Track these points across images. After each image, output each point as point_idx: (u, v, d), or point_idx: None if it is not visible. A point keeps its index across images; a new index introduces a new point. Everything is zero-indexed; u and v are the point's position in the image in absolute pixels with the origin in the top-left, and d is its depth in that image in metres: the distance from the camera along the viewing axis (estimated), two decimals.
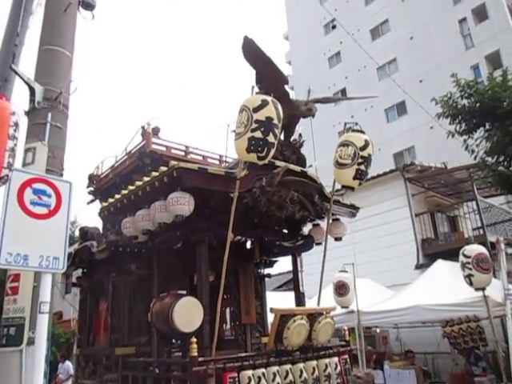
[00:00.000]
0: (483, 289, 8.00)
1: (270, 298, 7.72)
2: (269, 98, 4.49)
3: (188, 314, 4.80)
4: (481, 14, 25.56)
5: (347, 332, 6.31)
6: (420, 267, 13.55)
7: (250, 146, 4.38)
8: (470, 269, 8.04)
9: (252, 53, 5.25)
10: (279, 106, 4.55)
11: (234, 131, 4.61)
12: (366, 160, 5.54)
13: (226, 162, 7.16)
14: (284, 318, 5.12)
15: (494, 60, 24.09)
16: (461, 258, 8.27)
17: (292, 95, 6.07)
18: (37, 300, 3.57)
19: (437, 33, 26.78)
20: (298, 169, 5.77)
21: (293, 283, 7.05)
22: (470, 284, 8.11)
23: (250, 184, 5.18)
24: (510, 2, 25.37)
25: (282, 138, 5.96)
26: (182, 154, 6.97)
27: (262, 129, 4.37)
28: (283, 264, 8.71)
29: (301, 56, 35.57)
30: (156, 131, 6.99)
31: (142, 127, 6.96)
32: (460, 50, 25.77)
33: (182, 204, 4.83)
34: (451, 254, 10.28)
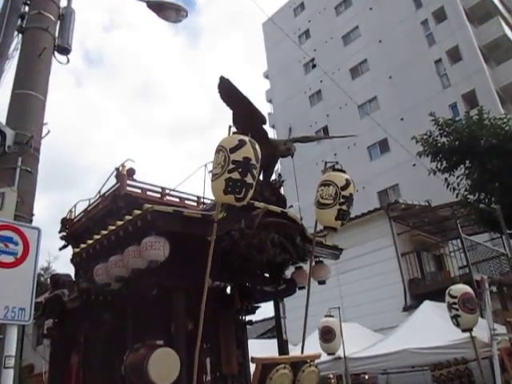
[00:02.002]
0: (470, 329, 7.98)
1: (252, 346, 7.55)
2: (246, 138, 4.51)
3: (164, 366, 4.64)
4: (455, 55, 26.67)
5: (334, 380, 6.18)
6: (408, 309, 13.49)
7: (228, 187, 4.36)
8: (457, 309, 8.04)
9: (229, 92, 5.33)
10: (257, 146, 4.57)
11: (211, 172, 4.61)
12: (348, 200, 5.55)
13: (204, 203, 7.13)
14: (266, 367, 4.98)
15: (471, 99, 24.95)
16: (447, 298, 8.28)
17: (273, 133, 6.17)
18: (1, 354, 3.44)
19: (415, 72, 27.73)
20: (278, 210, 5.76)
21: (275, 330, 6.93)
22: (457, 325, 8.09)
23: (228, 227, 5.15)
24: (482, 44, 26.49)
25: (260, 178, 5.97)
26: (158, 196, 6.94)
27: (240, 169, 4.37)
28: (267, 309, 8.57)
29: (281, 94, 36.37)
30: (131, 173, 6.96)
31: (117, 169, 6.93)
32: (438, 88, 26.69)
33: (156, 249, 4.76)
34: (438, 294, 10.28)
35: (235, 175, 4.36)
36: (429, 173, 10.73)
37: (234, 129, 4.85)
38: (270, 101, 39.05)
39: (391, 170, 26.98)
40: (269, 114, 38.09)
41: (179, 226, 4.90)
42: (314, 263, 6.34)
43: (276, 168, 6.32)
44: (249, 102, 5.43)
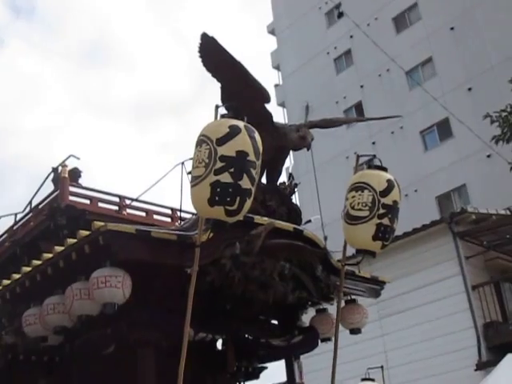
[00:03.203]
0: None
1: None
2: (241, 124, 4.52)
3: None
4: None
5: None
6: (483, 367, 13.43)
7: (215, 195, 4.36)
8: None
9: (215, 57, 5.39)
10: (257, 135, 4.57)
11: (190, 173, 4.62)
12: (391, 210, 5.58)
13: (181, 219, 7.16)
14: None
15: None
16: None
17: (282, 115, 6.20)
18: None
19: (489, 21, 27.69)
20: (289, 227, 5.80)
21: None
22: None
23: (216, 253, 5.18)
24: None
25: (263, 181, 6.02)
26: (116, 208, 6.96)
27: (232, 169, 4.36)
28: (277, 371, 8.56)
29: (293, 57, 36.43)
30: (75, 175, 7.00)
31: (55, 170, 6.96)
32: None
33: (112, 286, 4.77)
34: None
35: (225, 177, 4.35)
36: (510, 168, 10.72)
37: (223, 110, 4.87)
38: (276, 67, 39.18)
39: (455, 164, 26.99)
40: (275, 86, 38.22)
41: (146, 253, 4.93)
42: (343, 303, 6.36)
43: (286, 166, 6.33)
44: (244, 70, 5.46)
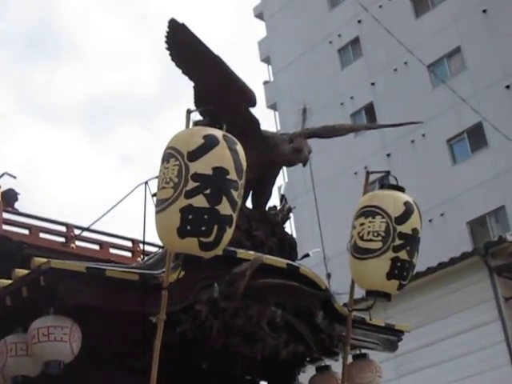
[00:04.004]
0: None
1: None
2: (219, 133, 4.55)
3: None
4: None
5: None
6: None
7: (186, 223, 4.38)
8: None
9: (186, 50, 5.41)
10: (239, 148, 4.61)
11: (155, 195, 4.63)
12: (410, 240, 5.63)
13: (143, 253, 7.15)
14: None
15: None
16: None
17: (273, 122, 6.18)
18: None
19: None
20: (282, 263, 5.82)
21: None
22: None
23: (188, 297, 5.20)
24: None
25: (248, 205, 6.06)
26: (61, 240, 6.95)
27: (208, 191, 4.39)
28: None
29: (287, 47, 36.52)
30: (10, 198, 6.98)
31: None
32: None
33: (57, 340, 4.73)
34: None
35: (199, 201, 4.38)
36: None
37: (197, 115, 4.89)
38: (265, 59, 39.26)
39: (491, 180, 27.01)
40: (264, 83, 38.37)
41: (100, 297, 4.92)
42: (350, 359, 6.36)
43: (278, 186, 6.35)
44: (223, 65, 5.49)
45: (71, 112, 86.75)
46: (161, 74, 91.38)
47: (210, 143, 4.48)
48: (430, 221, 24.28)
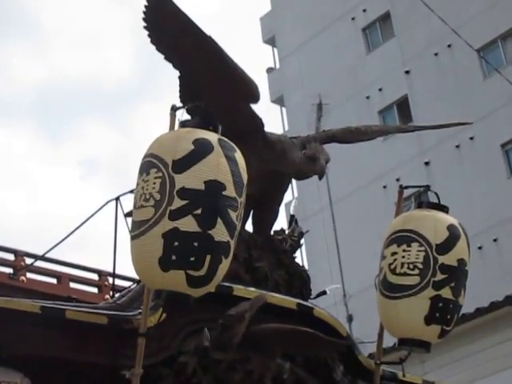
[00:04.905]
0: None
1: None
2: (213, 137, 4.57)
3: None
4: None
5: None
6: None
7: (170, 251, 4.38)
8: None
9: (170, 30, 5.41)
10: (238, 156, 4.62)
11: (129, 215, 4.65)
12: (455, 274, 5.64)
13: (113, 290, 7.16)
14: None
15: None
16: None
17: (278, 120, 6.18)
18: None
19: None
20: (291, 303, 5.85)
21: None
22: None
23: (172, 345, 5.21)
24: None
25: (248, 228, 6.07)
26: (9, 271, 6.97)
27: (198, 211, 4.40)
28: None
29: (298, 25, 36.54)
30: None
31: None
32: None
33: None
34: None
35: (187, 224, 4.38)
36: None
37: (183, 113, 4.91)
38: (270, 40, 39.30)
39: None
40: (268, 71, 38.36)
41: (58, 345, 4.92)
42: None
43: (285, 202, 6.35)
44: (217, 48, 5.50)
45: (21, 107, 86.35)
46: (137, 59, 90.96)
47: (201, 150, 4.45)
48: (479, 248, 24.31)
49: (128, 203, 5.24)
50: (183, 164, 4.42)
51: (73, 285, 7.40)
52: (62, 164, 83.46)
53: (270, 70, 38.11)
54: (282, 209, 6.57)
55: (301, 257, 5.87)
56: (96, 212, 6.50)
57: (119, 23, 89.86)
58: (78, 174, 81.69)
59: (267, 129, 6.15)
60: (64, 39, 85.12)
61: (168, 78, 5.68)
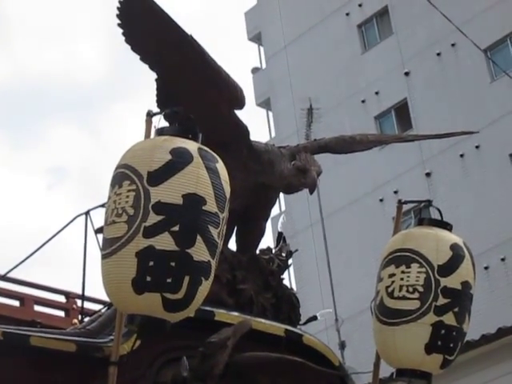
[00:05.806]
0: None
1: None
2: (192, 146, 4.57)
3: None
4: None
5: None
6: None
7: (145, 273, 4.38)
8: None
9: (146, 26, 5.42)
10: (221, 167, 4.63)
11: (100, 231, 4.67)
12: (459, 298, 5.65)
13: (82, 314, 7.17)
14: None
15: None
16: None
17: (264, 127, 6.20)
18: None
19: None
20: (278, 329, 5.86)
21: None
22: None
23: (147, 375, 5.20)
24: None
25: (231, 246, 6.07)
26: None
27: (176, 227, 4.41)
28: None
29: (286, 21, 36.58)
30: None
31: None
32: None
33: None
34: None
35: (164, 242, 4.36)
36: None
37: (159, 120, 4.92)
38: (255, 38, 39.36)
39: None
40: (254, 71, 38.37)
41: (22, 375, 4.91)
42: None
43: (272, 216, 6.37)
44: (198, 48, 5.51)
45: None
46: (111, 54, 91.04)
47: (179, 160, 4.44)
48: (486, 268, 24.36)
49: (99, 218, 5.23)
50: (159, 176, 4.41)
51: (37, 308, 7.40)
52: (27, 172, 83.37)
53: (255, 71, 38.16)
54: (268, 225, 6.56)
55: (289, 278, 5.86)
56: (64, 228, 6.48)
57: (92, 14, 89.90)
58: (45, 182, 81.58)
59: (252, 136, 6.12)
60: (29, 30, 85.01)
61: (145, 76, 5.67)
